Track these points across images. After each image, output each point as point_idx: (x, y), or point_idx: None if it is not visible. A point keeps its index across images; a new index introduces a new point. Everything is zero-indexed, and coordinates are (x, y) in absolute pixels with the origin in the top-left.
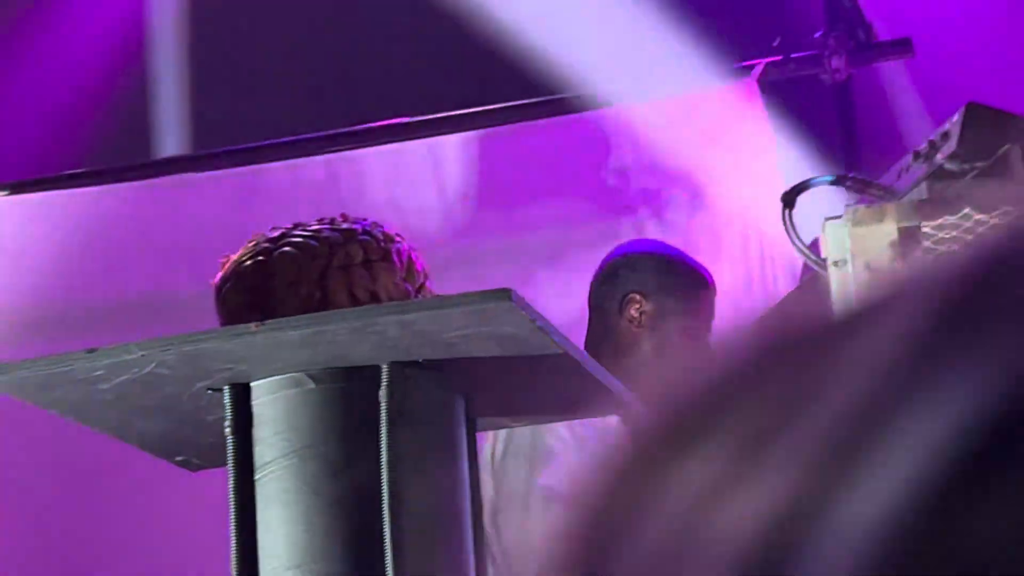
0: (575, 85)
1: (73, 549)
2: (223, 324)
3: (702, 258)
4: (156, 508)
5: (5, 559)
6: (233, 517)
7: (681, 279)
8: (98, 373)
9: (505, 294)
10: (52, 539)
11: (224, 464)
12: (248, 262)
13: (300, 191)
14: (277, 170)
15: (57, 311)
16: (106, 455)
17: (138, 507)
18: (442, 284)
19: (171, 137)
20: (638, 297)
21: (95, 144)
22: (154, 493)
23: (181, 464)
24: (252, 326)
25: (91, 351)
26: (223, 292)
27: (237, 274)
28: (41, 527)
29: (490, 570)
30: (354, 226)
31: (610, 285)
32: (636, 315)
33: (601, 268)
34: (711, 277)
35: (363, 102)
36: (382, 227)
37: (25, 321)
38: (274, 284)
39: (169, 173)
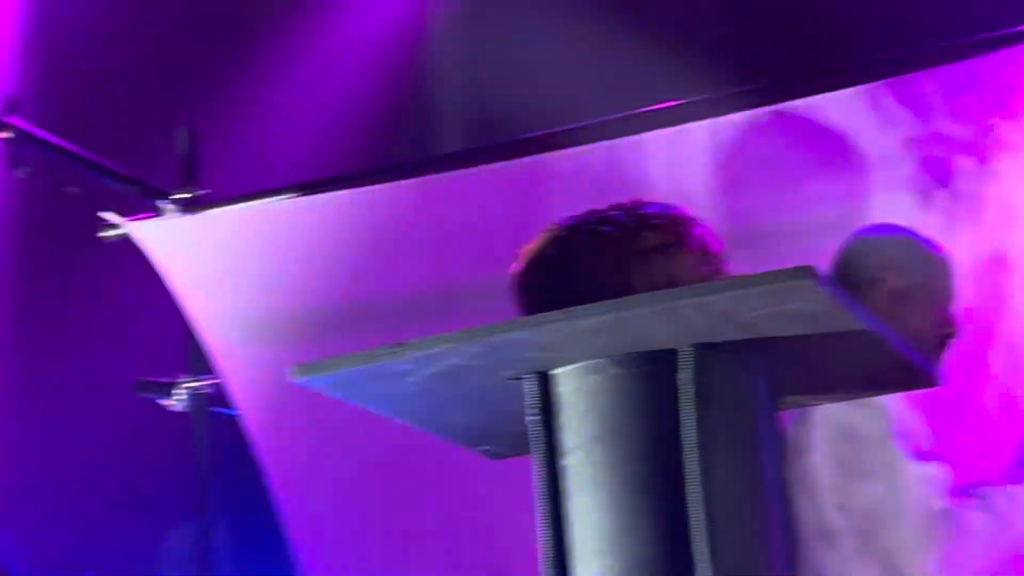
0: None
1: (377, 540)
2: (523, 314)
3: (993, 229)
4: (459, 497)
5: (311, 548)
6: (540, 504)
7: (927, 259)
8: (405, 367)
9: (807, 271)
10: (356, 530)
11: (526, 452)
12: (547, 251)
13: (583, 179)
14: (559, 159)
15: (352, 309)
16: (411, 446)
17: (442, 497)
18: (730, 265)
19: (454, 131)
20: (887, 276)
21: (380, 142)
22: (457, 482)
23: (484, 453)
24: (554, 314)
25: (399, 345)
26: (523, 282)
27: (536, 264)
28: (345, 519)
29: (829, 550)
30: (650, 210)
31: (857, 267)
32: (886, 294)
33: (846, 250)
34: (952, 258)
35: (643, 85)
36: (678, 210)
37: (323, 320)
38: (574, 272)
39: (454, 167)
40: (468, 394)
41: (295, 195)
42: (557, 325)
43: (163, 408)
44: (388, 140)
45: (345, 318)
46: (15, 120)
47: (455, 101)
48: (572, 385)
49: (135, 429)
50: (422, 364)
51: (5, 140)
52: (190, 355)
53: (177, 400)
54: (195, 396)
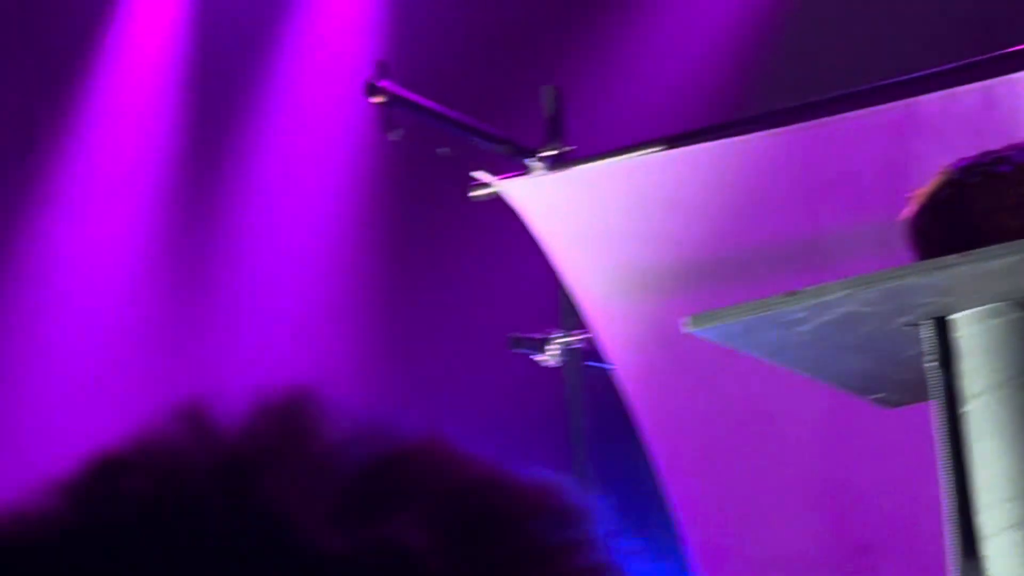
0: None
1: (751, 495)
2: (917, 258)
3: None
4: (828, 453)
5: (686, 501)
6: (943, 452)
7: None
8: (799, 315)
9: None
10: (727, 483)
11: (919, 400)
12: (944, 195)
13: (956, 122)
14: (931, 102)
15: (722, 260)
16: (782, 398)
17: (811, 451)
18: None
19: (822, 79)
20: None
21: (745, 92)
22: (827, 437)
23: (878, 401)
24: (953, 258)
25: (792, 294)
26: (917, 226)
27: (933, 208)
28: (717, 472)
29: None
30: None
31: None
32: None
33: None
34: None
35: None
36: None
37: (693, 272)
38: (972, 214)
39: (821, 116)
40: (860, 341)
41: (661, 148)
42: (957, 269)
43: (537, 364)
44: (754, 90)
45: (715, 270)
46: (387, 84)
47: (820, 48)
48: (972, 330)
49: (509, 385)
50: (816, 312)
51: (378, 104)
52: (562, 310)
53: (550, 355)
54: (568, 351)
